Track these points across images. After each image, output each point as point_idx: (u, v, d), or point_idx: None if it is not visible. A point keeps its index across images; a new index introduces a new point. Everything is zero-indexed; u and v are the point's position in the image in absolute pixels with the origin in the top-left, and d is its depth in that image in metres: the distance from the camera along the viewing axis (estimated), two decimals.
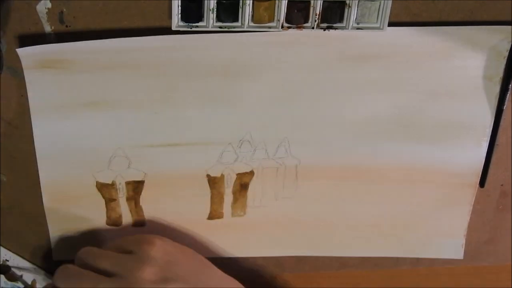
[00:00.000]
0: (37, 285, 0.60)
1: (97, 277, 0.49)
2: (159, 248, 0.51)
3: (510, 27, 0.50)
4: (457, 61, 0.51)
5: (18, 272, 0.59)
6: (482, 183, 0.57)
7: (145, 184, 0.56)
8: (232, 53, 0.50)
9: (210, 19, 0.47)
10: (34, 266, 0.60)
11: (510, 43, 0.51)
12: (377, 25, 0.49)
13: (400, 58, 0.51)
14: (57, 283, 0.50)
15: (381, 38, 0.50)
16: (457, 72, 0.52)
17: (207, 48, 0.49)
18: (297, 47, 0.50)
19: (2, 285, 0.59)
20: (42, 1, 0.47)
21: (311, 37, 0.49)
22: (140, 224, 0.58)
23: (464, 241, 0.60)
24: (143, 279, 0.48)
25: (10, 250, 0.59)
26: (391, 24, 0.49)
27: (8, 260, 0.59)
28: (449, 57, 0.51)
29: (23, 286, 0.60)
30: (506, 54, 0.51)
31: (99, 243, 0.58)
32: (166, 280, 0.48)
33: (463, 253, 0.61)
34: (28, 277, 0.60)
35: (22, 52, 0.48)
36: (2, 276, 0.59)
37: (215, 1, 0.47)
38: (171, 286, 0.48)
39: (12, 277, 0.59)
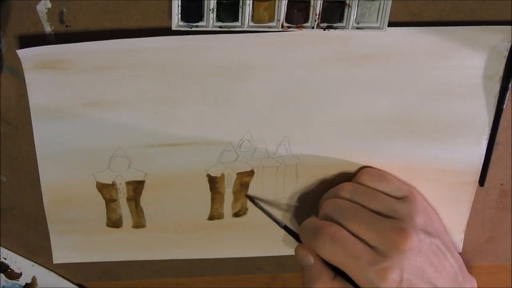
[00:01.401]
0: (38, 281, 0.60)
1: (374, 215, 0.51)
2: (422, 201, 0.54)
3: (510, 27, 0.50)
4: (457, 61, 0.51)
5: (17, 270, 0.59)
6: (481, 182, 0.57)
7: (145, 184, 0.55)
8: (232, 53, 0.50)
9: (210, 19, 0.47)
10: (33, 263, 0.60)
11: (510, 43, 0.51)
12: (377, 25, 0.49)
13: (400, 57, 0.51)
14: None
15: (381, 38, 0.50)
16: (457, 72, 0.52)
17: (207, 48, 0.49)
18: (297, 47, 0.50)
19: (3, 283, 0.59)
20: (42, 1, 0.47)
21: (311, 37, 0.49)
22: (140, 225, 0.58)
23: (463, 236, 0.60)
24: (417, 226, 0.50)
25: (10, 250, 0.59)
26: (391, 24, 0.49)
27: (6, 259, 0.59)
28: (449, 56, 0.51)
29: (23, 284, 0.60)
30: (506, 53, 0.51)
31: (99, 245, 0.58)
32: (428, 233, 0.50)
33: (461, 247, 0.61)
34: (28, 275, 0.60)
35: (22, 53, 0.48)
36: (2, 275, 0.59)
37: (215, 1, 0.47)
38: (433, 240, 0.50)
39: (11, 275, 0.59)
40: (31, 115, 0.51)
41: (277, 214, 0.58)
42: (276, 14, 0.48)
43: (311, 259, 0.52)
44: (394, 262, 0.48)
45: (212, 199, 0.57)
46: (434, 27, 0.50)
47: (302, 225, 0.53)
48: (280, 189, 0.57)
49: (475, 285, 0.55)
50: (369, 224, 0.50)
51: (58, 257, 0.59)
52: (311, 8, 0.48)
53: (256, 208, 0.57)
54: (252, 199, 0.57)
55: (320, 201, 0.56)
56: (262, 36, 0.49)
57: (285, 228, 0.55)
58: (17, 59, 0.48)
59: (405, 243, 0.48)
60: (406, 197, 0.53)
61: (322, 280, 0.51)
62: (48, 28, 0.48)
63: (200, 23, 0.48)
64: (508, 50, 0.51)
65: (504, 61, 0.52)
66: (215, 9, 0.47)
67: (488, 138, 0.55)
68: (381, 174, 0.55)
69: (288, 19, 0.48)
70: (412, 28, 0.50)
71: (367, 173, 0.55)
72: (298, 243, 0.54)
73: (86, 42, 0.48)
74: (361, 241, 0.49)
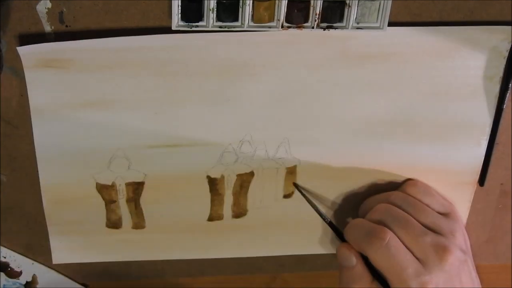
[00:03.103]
0: (38, 280, 0.60)
1: (422, 227, 0.52)
2: (461, 219, 0.57)
3: (510, 27, 0.50)
4: (457, 61, 0.51)
5: (17, 269, 0.59)
6: (481, 181, 0.57)
7: (145, 185, 0.55)
8: (232, 53, 0.50)
9: (210, 19, 0.47)
10: (33, 262, 0.59)
11: (510, 44, 0.51)
12: (377, 24, 0.49)
13: (400, 58, 0.51)
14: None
15: (381, 38, 0.50)
16: (457, 72, 0.52)
17: (207, 48, 0.49)
18: (297, 47, 0.50)
19: (3, 282, 0.59)
20: (42, 1, 0.47)
21: (311, 37, 0.49)
22: (140, 226, 0.58)
23: None
24: (457, 244, 0.52)
25: (10, 250, 0.59)
26: (391, 24, 0.49)
27: (5, 257, 0.59)
28: (449, 57, 0.51)
29: (24, 282, 0.60)
30: (506, 54, 0.51)
31: (99, 245, 0.58)
32: (464, 251, 0.52)
33: None
34: (28, 274, 0.60)
35: (23, 50, 0.48)
36: (3, 274, 0.59)
37: (215, 1, 0.47)
38: (466, 257, 0.52)
39: (11, 274, 0.59)
40: (31, 115, 0.51)
41: (276, 216, 0.58)
42: (276, 14, 0.48)
43: (354, 260, 0.53)
44: (434, 276, 0.50)
45: (212, 201, 0.57)
46: (434, 27, 0.50)
47: (352, 224, 0.54)
48: (280, 190, 0.57)
49: None
50: (418, 235, 0.51)
51: (58, 258, 0.59)
52: (311, 8, 0.48)
53: (256, 209, 0.58)
54: (299, 188, 0.57)
55: (365, 202, 0.57)
56: (262, 35, 0.49)
57: (330, 224, 0.56)
58: (17, 59, 0.48)
59: (447, 260, 0.50)
60: (448, 214, 0.54)
61: (362, 282, 0.52)
62: (48, 28, 0.48)
63: (200, 23, 0.48)
64: (508, 51, 0.51)
65: (504, 61, 0.52)
66: (215, 9, 0.47)
67: (488, 138, 0.55)
68: (426, 188, 0.56)
69: (288, 19, 0.48)
70: (412, 28, 0.50)
71: (414, 185, 0.56)
72: (341, 242, 0.54)
73: (86, 40, 0.48)
74: (409, 252, 0.51)
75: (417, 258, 0.51)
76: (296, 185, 0.57)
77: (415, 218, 0.52)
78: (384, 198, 0.55)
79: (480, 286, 0.54)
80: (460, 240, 0.53)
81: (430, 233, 0.51)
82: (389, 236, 0.51)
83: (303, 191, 0.57)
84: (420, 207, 0.53)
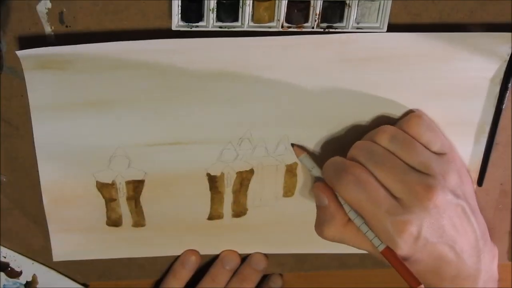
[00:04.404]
0: (38, 280, 0.60)
1: (404, 166, 0.49)
2: (459, 162, 0.53)
3: (510, 34, 0.50)
4: (458, 64, 0.51)
5: (17, 269, 0.59)
6: (480, 182, 0.57)
7: (145, 183, 0.55)
8: (232, 56, 0.50)
9: (210, 19, 0.47)
10: (33, 262, 0.60)
11: (511, 49, 0.51)
12: (377, 25, 0.49)
13: (401, 60, 0.51)
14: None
15: (381, 41, 0.50)
16: (458, 74, 0.52)
17: (207, 50, 0.49)
18: (297, 49, 0.50)
19: (3, 282, 0.59)
20: (42, 1, 0.47)
21: (311, 39, 0.49)
22: (140, 224, 0.58)
23: None
24: (447, 186, 0.48)
25: (10, 250, 0.59)
26: (391, 24, 0.49)
27: (5, 257, 0.59)
28: (449, 60, 0.51)
29: (24, 282, 0.60)
30: (507, 58, 0.51)
31: (99, 243, 0.58)
32: (457, 195, 0.49)
33: None
34: (28, 273, 0.60)
35: (22, 54, 0.47)
36: (3, 274, 0.59)
37: (215, 1, 0.47)
38: (459, 201, 0.49)
39: (11, 274, 0.59)
40: (31, 115, 0.51)
41: (276, 214, 0.58)
42: (276, 14, 0.48)
43: (325, 200, 0.51)
44: (415, 216, 0.47)
45: (212, 199, 0.57)
46: (435, 33, 0.50)
47: (327, 163, 0.51)
48: (280, 188, 0.57)
49: (496, 253, 0.54)
50: (397, 174, 0.48)
51: (58, 255, 0.59)
52: (311, 8, 0.48)
53: (256, 208, 0.58)
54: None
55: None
56: (262, 41, 0.49)
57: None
58: (17, 59, 0.48)
59: (430, 200, 0.47)
60: (444, 154, 0.51)
61: (333, 223, 0.50)
62: (48, 28, 0.48)
63: (200, 23, 0.48)
64: (509, 55, 0.51)
65: (505, 64, 0.52)
66: (215, 9, 0.47)
67: (487, 138, 0.55)
68: (430, 123, 0.52)
69: (288, 19, 0.48)
70: (414, 34, 0.50)
71: (418, 117, 0.51)
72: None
73: (85, 44, 0.47)
74: (386, 190, 0.48)
75: (397, 198, 0.48)
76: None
77: (401, 157, 0.49)
78: (371, 135, 0.51)
79: (487, 235, 0.52)
80: (452, 182, 0.49)
81: (415, 172, 0.48)
82: (359, 171, 0.48)
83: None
84: (409, 146, 0.50)
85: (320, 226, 0.51)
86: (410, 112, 0.53)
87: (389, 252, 0.48)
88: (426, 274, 0.49)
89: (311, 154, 0.55)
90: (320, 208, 0.52)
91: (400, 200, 0.48)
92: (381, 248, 0.49)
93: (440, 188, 0.47)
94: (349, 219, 0.50)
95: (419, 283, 0.47)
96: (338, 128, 0.54)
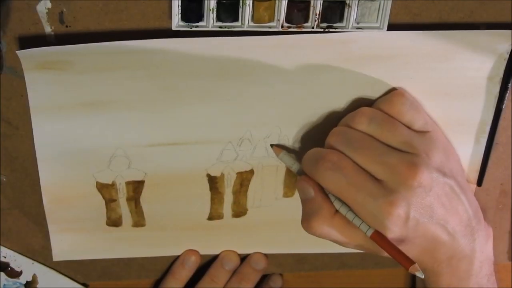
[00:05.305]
0: (38, 280, 0.60)
1: (384, 147, 0.47)
2: (444, 139, 0.51)
3: (510, 31, 0.50)
4: (457, 63, 0.51)
5: (17, 269, 0.59)
6: (479, 182, 0.57)
7: (145, 184, 0.55)
8: (232, 55, 0.50)
9: (210, 19, 0.47)
10: (33, 261, 0.60)
11: (511, 46, 0.51)
12: (377, 25, 0.49)
13: (400, 60, 0.51)
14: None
15: (381, 41, 0.50)
16: (457, 73, 0.52)
17: (207, 50, 0.49)
18: (297, 48, 0.50)
19: (3, 282, 0.59)
20: (42, 1, 0.47)
21: (311, 39, 0.49)
22: (140, 224, 0.58)
23: None
24: (432, 164, 0.47)
25: (10, 250, 0.59)
26: (391, 24, 0.49)
27: (5, 257, 0.59)
28: (449, 59, 0.51)
29: (24, 282, 0.60)
30: (507, 56, 0.51)
31: (99, 243, 0.58)
32: (443, 173, 0.48)
33: None
34: (28, 273, 0.60)
35: (22, 54, 0.47)
36: (3, 274, 0.59)
37: (215, 1, 0.47)
38: (447, 180, 0.48)
39: (11, 274, 0.59)
40: (31, 115, 0.51)
41: (276, 215, 0.58)
42: (276, 14, 0.48)
43: (311, 192, 0.49)
44: (400, 197, 0.45)
45: (212, 199, 0.57)
46: (435, 32, 0.50)
47: (305, 155, 0.50)
48: (280, 188, 0.57)
49: (491, 233, 0.53)
50: (377, 155, 0.47)
51: (58, 255, 0.59)
52: (311, 8, 0.48)
53: (256, 208, 0.58)
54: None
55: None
56: (262, 39, 0.49)
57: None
58: (17, 59, 0.48)
59: (414, 178, 0.45)
60: (427, 132, 0.50)
61: (320, 215, 0.49)
62: (48, 28, 0.48)
63: (200, 23, 0.48)
64: (509, 53, 0.51)
65: (504, 63, 0.52)
66: (215, 9, 0.47)
67: (487, 138, 0.55)
68: (413, 102, 0.50)
69: (288, 19, 0.48)
70: (413, 32, 0.50)
71: (400, 95, 0.50)
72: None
73: (85, 44, 0.47)
74: (367, 174, 0.47)
75: (379, 181, 0.46)
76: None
77: (380, 139, 0.48)
78: (348, 119, 0.50)
79: (480, 213, 0.51)
80: (437, 160, 0.48)
81: (396, 152, 0.47)
82: (336, 157, 0.47)
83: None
84: (389, 126, 0.48)
85: (307, 220, 0.50)
86: (392, 90, 0.52)
87: (379, 236, 0.47)
88: (421, 257, 0.48)
89: (291, 151, 0.54)
90: (306, 201, 0.50)
91: (383, 182, 0.46)
92: (370, 233, 0.47)
93: (424, 165, 0.46)
94: (337, 210, 0.49)
95: (413, 262, 0.46)
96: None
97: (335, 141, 0.49)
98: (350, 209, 0.48)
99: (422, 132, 0.49)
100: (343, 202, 0.48)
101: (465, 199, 0.49)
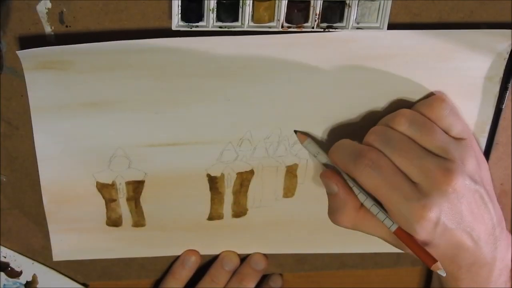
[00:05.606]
0: (38, 280, 0.60)
1: (422, 151, 0.48)
2: (477, 148, 0.52)
3: (510, 31, 0.50)
4: (457, 63, 0.51)
5: (17, 269, 0.59)
6: None
7: (145, 184, 0.55)
8: (232, 55, 0.50)
9: (210, 19, 0.47)
10: (33, 261, 0.60)
11: (511, 46, 0.51)
12: (377, 25, 0.49)
13: (400, 59, 0.51)
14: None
15: (381, 40, 0.50)
16: (457, 73, 0.52)
17: (207, 50, 0.49)
18: (297, 48, 0.50)
19: (4, 282, 0.59)
20: (42, 1, 0.47)
21: (311, 39, 0.49)
22: (140, 224, 0.58)
23: None
24: (466, 171, 0.48)
25: (10, 250, 0.59)
26: (391, 24, 0.49)
27: (5, 257, 0.59)
28: (449, 58, 0.51)
29: (24, 282, 0.60)
30: (507, 56, 0.51)
31: (99, 243, 0.58)
32: (475, 180, 0.48)
33: None
34: (28, 273, 0.60)
35: (22, 54, 0.47)
36: (3, 274, 0.59)
37: (215, 1, 0.47)
38: (478, 187, 0.48)
39: (11, 274, 0.59)
40: (31, 115, 0.51)
41: (276, 215, 0.58)
42: (276, 14, 0.48)
43: (335, 188, 0.50)
44: (433, 201, 0.46)
45: (212, 199, 0.57)
46: (435, 30, 0.50)
47: (337, 144, 0.51)
48: (280, 189, 0.57)
49: (510, 243, 0.53)
50: (415, 158, 0.47)
51: (58, 255, 0.59)
52: (311, 8, 0.48)
53: (256, 209, 0.58)
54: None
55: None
56: (262, 39, 0.49)
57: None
58: (17, 59, 0.48)
59: (449, 184, 0.46)
60: (463, 140, 0.50)
61: (346, 209, 0.50)
62: (48, 28, 0.48)
63: (200, 23, 0.48)
64: (509, 53, 0.51)
65: (504, 63, 0.52)
66: (215, 9, 0.47)
67: (487, 137, 0.55)
68: (452, 108, 0.51)
69: (288, 19, 0.48)
70: (413, 31, 0.50)
71: (441, 100, 0.50)
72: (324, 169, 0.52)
73: (85, 44, 0.47)
74: (404, 175, 0.47)
75: (415, 184, 0.47)
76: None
77: (419, 142, 0.48)
78: (388, 119, 0.50)
79: (503, 222, 0.51)
80: (471, 168, 0.48)
81: (433, 157, 0.47)
82: (376, 155, 0.48)
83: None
84: (428, 130, 0.49)
85: (333, 213, 0.51)
86: (431, 94, 0.52)
87: (402, 233, 0.48)
88: (443, 262, 0.48)
89: (315, 141, 0.54)
90: (330, 195, 0.51)
91: (418, 185, 0.47)
92: (393, 228, 0.48)
93: (459, 172, 0.46)
94: (362, 204, 0.50)
95: (435, 260, 0.47)
96: (339, 127, 0.54)
97: (374, 139, 0.49)
98: (374, 203, 0.49)
99: (458, 139, 0.50)
100: (367, 196, 0.49)
101: (491, 207, 0.50)
